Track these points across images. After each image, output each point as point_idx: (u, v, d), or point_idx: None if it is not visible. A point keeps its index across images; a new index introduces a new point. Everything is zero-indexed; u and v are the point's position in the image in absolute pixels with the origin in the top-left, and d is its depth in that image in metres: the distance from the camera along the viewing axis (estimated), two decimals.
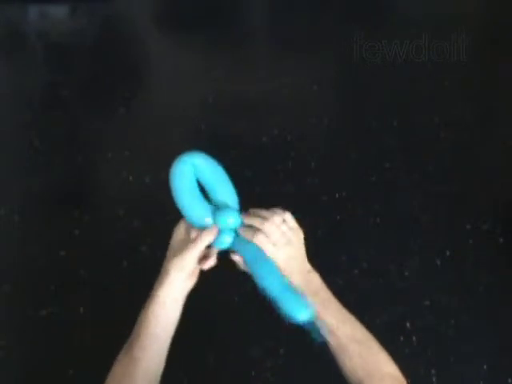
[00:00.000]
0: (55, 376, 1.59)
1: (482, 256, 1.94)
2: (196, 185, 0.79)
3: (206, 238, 0.75)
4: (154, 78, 2.90)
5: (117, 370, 0.73)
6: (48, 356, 1.67)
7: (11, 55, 3.05)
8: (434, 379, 1.61)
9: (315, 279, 0.76)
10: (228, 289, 1.77)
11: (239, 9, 3.38)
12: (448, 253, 1.93)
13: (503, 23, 3.12)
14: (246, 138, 2.33)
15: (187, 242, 0.75)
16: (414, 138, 2.39)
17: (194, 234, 0.77)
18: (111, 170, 2.30)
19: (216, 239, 0.76)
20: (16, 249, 2.04)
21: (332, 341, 0.72)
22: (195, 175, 0.79)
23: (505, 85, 2.71)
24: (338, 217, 2.04)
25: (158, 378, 0.74)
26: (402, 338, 1.70)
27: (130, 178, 2.21)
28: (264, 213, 0.77)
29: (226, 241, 0.77)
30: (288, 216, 0.77)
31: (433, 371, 1.62)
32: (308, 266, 0.77)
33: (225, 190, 0.79)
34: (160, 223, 2.09)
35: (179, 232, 0.78)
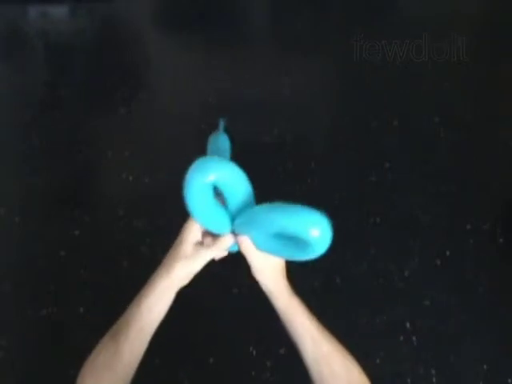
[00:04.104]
0: (55, 376, 1.59)
1: (481, 256, 1.94)
2: (211, 192, 0.71)
3: (221, 246, 0.73)
4: (154, 78, 2.90)
5: (99, 358, 0.73)
6: (48, 356, 1.67)
7: (11, 55, 3.05)
8: (433, 379, 1.61)
9: (290, 290, 0.75)
10: (228, 289, 1.77)
11: (239, 9, 3.38)
12: (448, 253, 1.93)
13: (503, 23, 3.12)
14: (246, 137, 2.33)
15: (199, 246, 0.74)
16: (414, 138, 2.39)
17: (207, 240, 0.74)
18: (111, 170, 2.30)
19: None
20: (16, 249, 2.04)
21: (315, 352, 0.71)
22: (213, 184, 0.70)
23: (505, 85, 2.71)
24: (338, 217, 2.04)
25: (134, 372, 0.73)
26: (401, 338, 1.70)
27: (130, 178, 2.21)
28: None
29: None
30: None
31: (433, 371, 1.62)
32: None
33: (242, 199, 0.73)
34: (160, 223, 2.10)
35: (192, 233, 0.74)
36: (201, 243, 0.74)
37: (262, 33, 3.24)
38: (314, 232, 0.63)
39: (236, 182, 0.70)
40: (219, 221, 0.73)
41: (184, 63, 2.82)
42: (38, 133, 2.47)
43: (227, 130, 0.86)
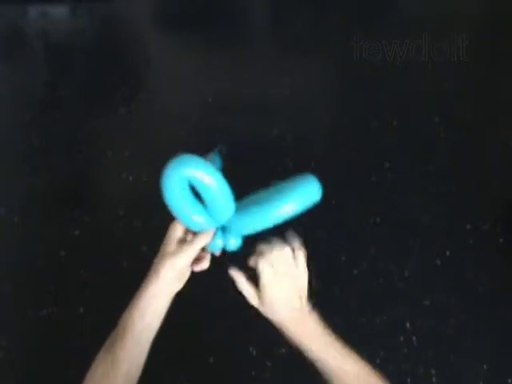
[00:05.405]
0: (55, 376, 1.59)
1: (481, 256, 1.94)
2: (188, 188, 0.74)
3: (203, 240, 0.75)
4: (154, 78, 2.90)
5: (98, 370, 0.72)
6: (48, 356, 1.67)
7: (11, 55, 3.05)
8: (433, 379, 1.61)
9: (310, 322, 0.75)
10: (228, 288, 1.77)
11: (239, 9, 3.37)
12: (448, 253, 1.93)
13: (503, 23, 3.12)
14: (246, 137, 2.33)
15: (182, 243, 0.75)
16: (414, 138, 2.39)
17: (190, 236, 0.76)
18: (111, 170, 2.30)
19: (210, 242, 0.77)
20: (16, 249, 2.04)
21: (336, 379, 0.73)
22: (187, 180, 0.74)
23: (505, 85, 2.71)
24: (339, 217, 2.04)
25: (136, 381, 0.72)
26: (401, 338, 1.70)
27: (130, 177, 2.21)
28: (278, 242, 0.75)
29: (219, 244, 0.77)
30: (301, 254, 0.76)
31: (433, 371, 1.62)
32: (306, 308, 0.76)
33: (220, 199, 0.75)
34: (160, 223, 2.09)
35: (175, 232, 0.76)
36: (184, 240, 0.75)
37: (262, 33, 3.24)
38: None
39: (212, 181, 0.72)
40: (198, 217, 0.75)
41: (184, 63, 2.82)
42: (37, 133, 2.47)
43: (220, 155, 0.86)
